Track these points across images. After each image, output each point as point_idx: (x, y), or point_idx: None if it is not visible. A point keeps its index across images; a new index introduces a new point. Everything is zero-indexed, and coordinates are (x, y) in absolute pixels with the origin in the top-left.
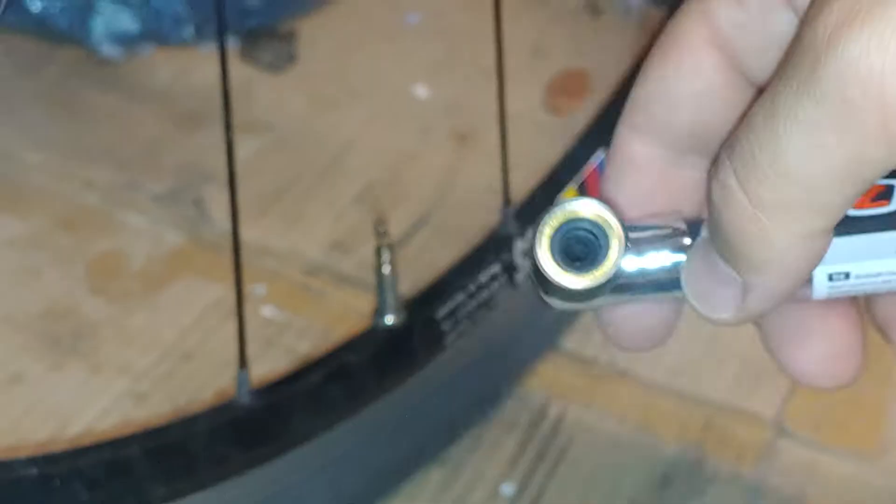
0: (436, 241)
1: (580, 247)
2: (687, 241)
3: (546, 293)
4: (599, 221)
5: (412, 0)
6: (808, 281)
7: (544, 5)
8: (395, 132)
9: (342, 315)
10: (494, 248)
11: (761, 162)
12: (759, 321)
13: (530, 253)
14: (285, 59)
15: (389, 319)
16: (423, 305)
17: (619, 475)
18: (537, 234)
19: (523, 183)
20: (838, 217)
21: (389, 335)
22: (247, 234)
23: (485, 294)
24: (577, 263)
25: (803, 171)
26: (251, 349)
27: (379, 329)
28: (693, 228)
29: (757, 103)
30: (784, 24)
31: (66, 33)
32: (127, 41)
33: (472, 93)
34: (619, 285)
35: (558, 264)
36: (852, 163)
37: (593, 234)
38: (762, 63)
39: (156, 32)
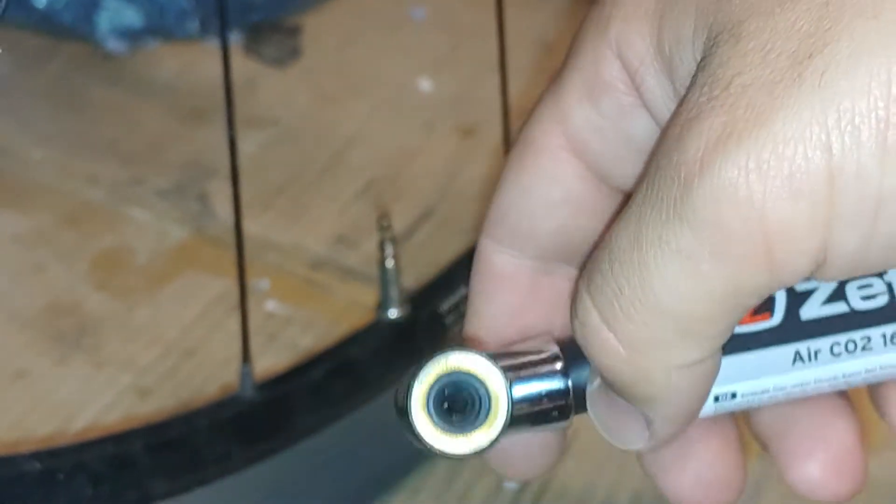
0: (440, 234)
1: (458, 397)
2: (558, 365)
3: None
4: (484, 381)
5: None
6: None
7: None
8: (400, 126)
9: (346, 309)
10: None
11: (629, 297)
12: None
13: (401, 407)
14: (289, 54)
15: (393, 313)
16: (426, 299)
17: (622, 468)
18: (410, 391)
19: None
20: (720, 343)
21: (393, 329)
22: (250, 228)
23: None
24: (455, 417)
25: (678, 305)
26: (255, 344)
27: (382, 323)
28: (566, 351)
29: (615, 227)
30: (641, 128)
31: (70, 28)
32: (131, 36)
33: (477, 87)
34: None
35: (436, 426)
36: (732, 292)
37: (473, 386)
38: (621, 168)
39: (160, 27)
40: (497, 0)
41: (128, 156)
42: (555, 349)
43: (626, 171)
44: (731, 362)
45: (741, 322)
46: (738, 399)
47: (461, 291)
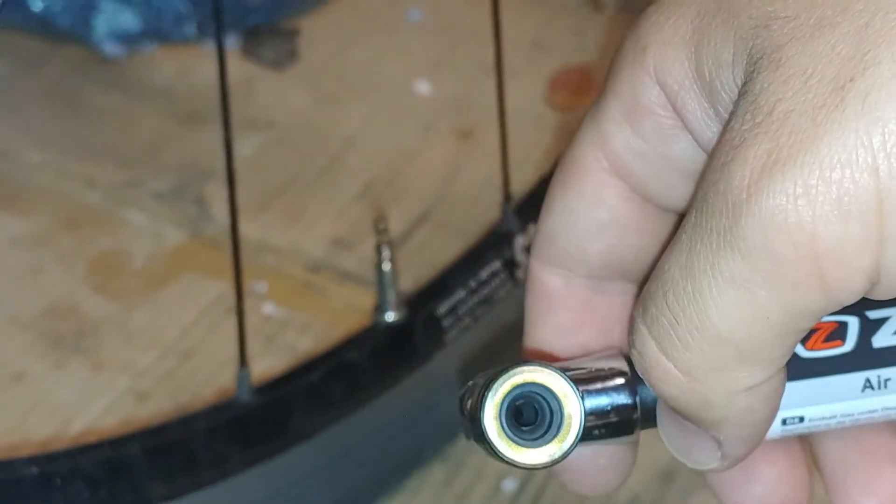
0: (437, 237)
1: (528, 410)
2: (626, 380)
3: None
4: (557, 395)
5: None
6: None
7: (546, 0)
8: (397, 129)
9: (343, 312)
10: (495, 244)
11: (685, 326)
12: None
13: (472, 419)
14: (287, 57)
15: (390, 316)
16: (423, 302)
17: None
18: (484, 402)
19: (524, 178)
20: (780, 365)
21: (390, 332)
22: (248, 231)
23: (485, 290)
24: (526, 430)
25: (735, 331)
26: (252, 347)
27: (379, 326)
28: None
29: (665, 258)
30: (683, 150)
31: (67, 32)
32: (129, 39)
33: (474, 89)
34: None
35: (509, 438)
36: (788, 316)
37: (543, 398)
38: (664, 189)
39: (157, 30)
40: (492, 2)
41: (125, 159)
42: (622, 364)
43: (670, 191)
44: (800, 387)
45: (813, 347)
46: (806, 423)
47: (458, 294)
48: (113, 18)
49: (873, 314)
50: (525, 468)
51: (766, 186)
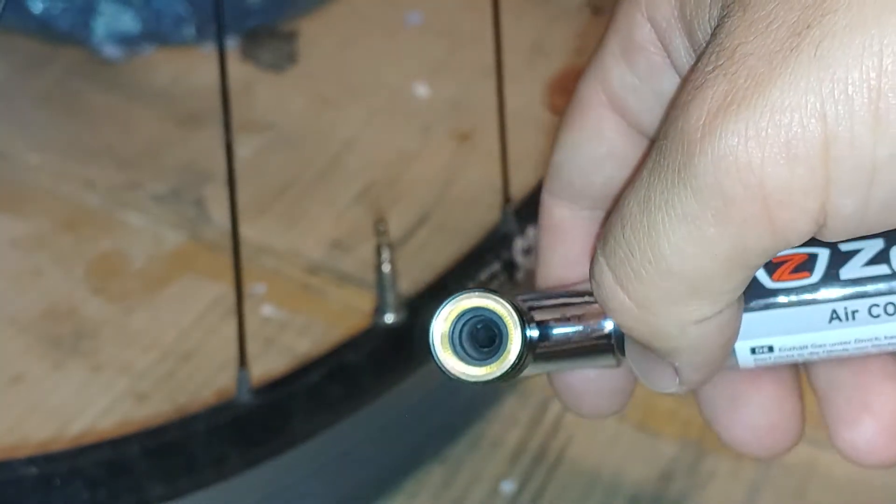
0: (436, 239)
1: (487, 331)
2: (598, 308)
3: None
4: (498, 312)
5: None
6: (732, 353)
7: (545, 3)
8: (396, 131)
9: (342, 314)
10: (494, 246)
11: (639, 259)
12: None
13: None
14: (286, 59)
15: (389, 318)
16: (423, 304)
17: (619, 472)
18: (431, 328)
19: (524, 181)
20: (731, 300)
21: (389, 334)
22: (247, 233)
23: None
24: (486, 350)
25: (685, 266)
26: (251, 348)
27: (379, 328)
28: None
29: (627, 192)
30: (672, 85)
31: (67, 34)
32: (128, 42)
33: (473, 92)
34: (545, 354)
35: (457, 355)
36: (736, 254)
37: (495, 322)
38: (657, 123)
39: (157, 33)
40: (493, 5)
41: (124, 161)
42: None
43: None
44: (766, 317)
45: (780, 279)
46: (777, 353)
47: None
48: (112, 21)
49: (845, 246)
50: (466, 382)
51: (720, 127)
